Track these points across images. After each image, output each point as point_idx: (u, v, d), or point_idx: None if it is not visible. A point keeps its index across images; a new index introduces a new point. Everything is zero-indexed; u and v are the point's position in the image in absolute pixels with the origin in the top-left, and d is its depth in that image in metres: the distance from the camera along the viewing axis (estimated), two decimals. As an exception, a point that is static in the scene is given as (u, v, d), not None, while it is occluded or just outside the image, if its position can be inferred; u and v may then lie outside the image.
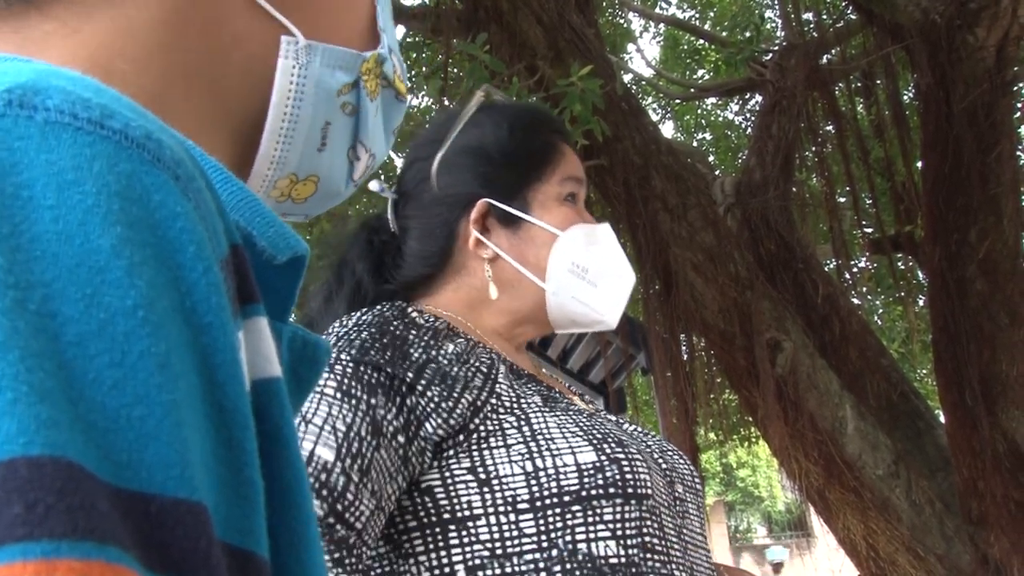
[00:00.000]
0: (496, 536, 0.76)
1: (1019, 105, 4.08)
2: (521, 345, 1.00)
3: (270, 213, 0.31)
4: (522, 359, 0.97)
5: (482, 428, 0.79)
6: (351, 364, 0.78)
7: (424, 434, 0.77)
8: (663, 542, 0.80)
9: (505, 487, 0.77)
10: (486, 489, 0.77)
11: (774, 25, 6.18)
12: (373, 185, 1.01)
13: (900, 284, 5.12)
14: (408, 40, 4.34)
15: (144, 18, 0.36)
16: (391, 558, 0.78)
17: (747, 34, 4.66)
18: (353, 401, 0.76)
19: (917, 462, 3.37)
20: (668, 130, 7.64)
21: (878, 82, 4.58)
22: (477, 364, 0.83)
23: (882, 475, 3.05)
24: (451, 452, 0.78)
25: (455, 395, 0.79)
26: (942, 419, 3.53)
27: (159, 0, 0.36)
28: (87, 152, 0.22)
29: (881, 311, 6.55)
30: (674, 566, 0.80)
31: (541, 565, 0.74)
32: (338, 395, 0.76)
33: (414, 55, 4.52)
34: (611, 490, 0.77)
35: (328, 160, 0.44)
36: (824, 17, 4.96)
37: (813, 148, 4.73)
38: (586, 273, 0.95)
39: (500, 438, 0.79)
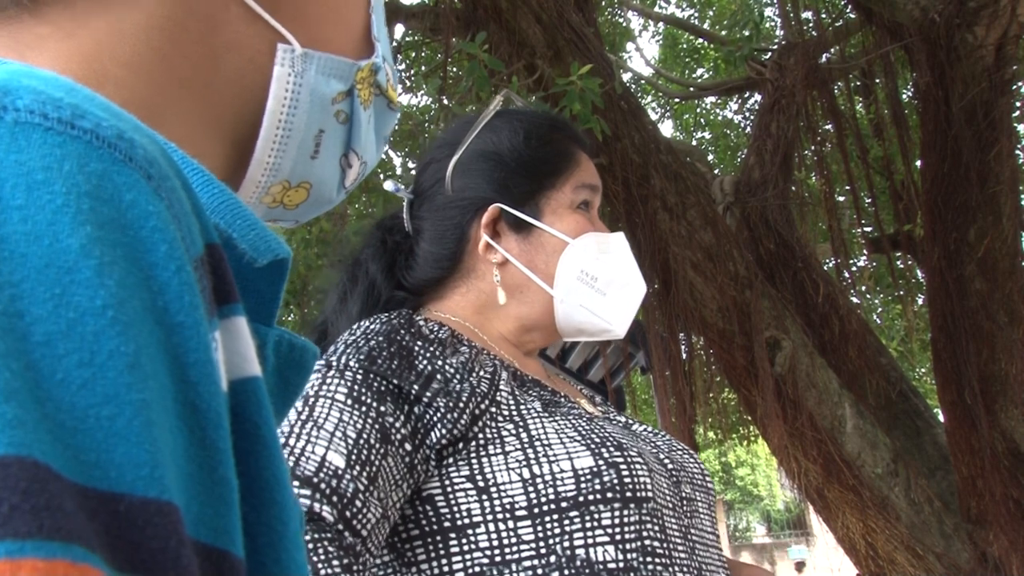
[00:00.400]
0: (495, 543, 0.76)
1: (1018, 104, 4.08)
2: (531, 351, 0.99)
3: (252, 216, 0.31)
4: (530, 364, 0.97)
5: (481, 436, 0.79)
6: (361, 371, 0.78)
7: (430, 443, 0.78)
8: (665, 545, 0.80)
9: (503, 494, 0.77)
10: (484, 497, 0.77)
11: (773, 24, 6.19)
12: (388, 185, 1.01)
13: (899, 283, 5.12)
14: (407, 39, 4.34)
15: (139, 23, 0.36)
16: (395, 566, 0.79)
17: (746, 33, 4.65)
18: (363, 408, 0.76)
19: (916, 461, 3.37)
20: (667, 129, 7.66)
21: (877, 81, 4.59)
22: (481, 373, 0.83)
23: (881, 473, 3.05)
24: (451, 460, 0.79)
25: (460, 405, 0.79)
26: (941, 418, 3.53)
27: (154, 5, 0.36)
28: (57, 152, 0.22)
29: (880, 310, 6.55)
30: (676, 568, 0.80)
31: (540, 572, 0.74)
32: (349, 401, 0.76)
33: (413, 54, 4.52)
34: (609, 495, 0.77)
35: (320, 167, 0.44)
36: (823, 16, 4.96)
37: (812, 147, 4.74)
38: (595, 282, 0.94)
39: (498, 446, 0.79)
